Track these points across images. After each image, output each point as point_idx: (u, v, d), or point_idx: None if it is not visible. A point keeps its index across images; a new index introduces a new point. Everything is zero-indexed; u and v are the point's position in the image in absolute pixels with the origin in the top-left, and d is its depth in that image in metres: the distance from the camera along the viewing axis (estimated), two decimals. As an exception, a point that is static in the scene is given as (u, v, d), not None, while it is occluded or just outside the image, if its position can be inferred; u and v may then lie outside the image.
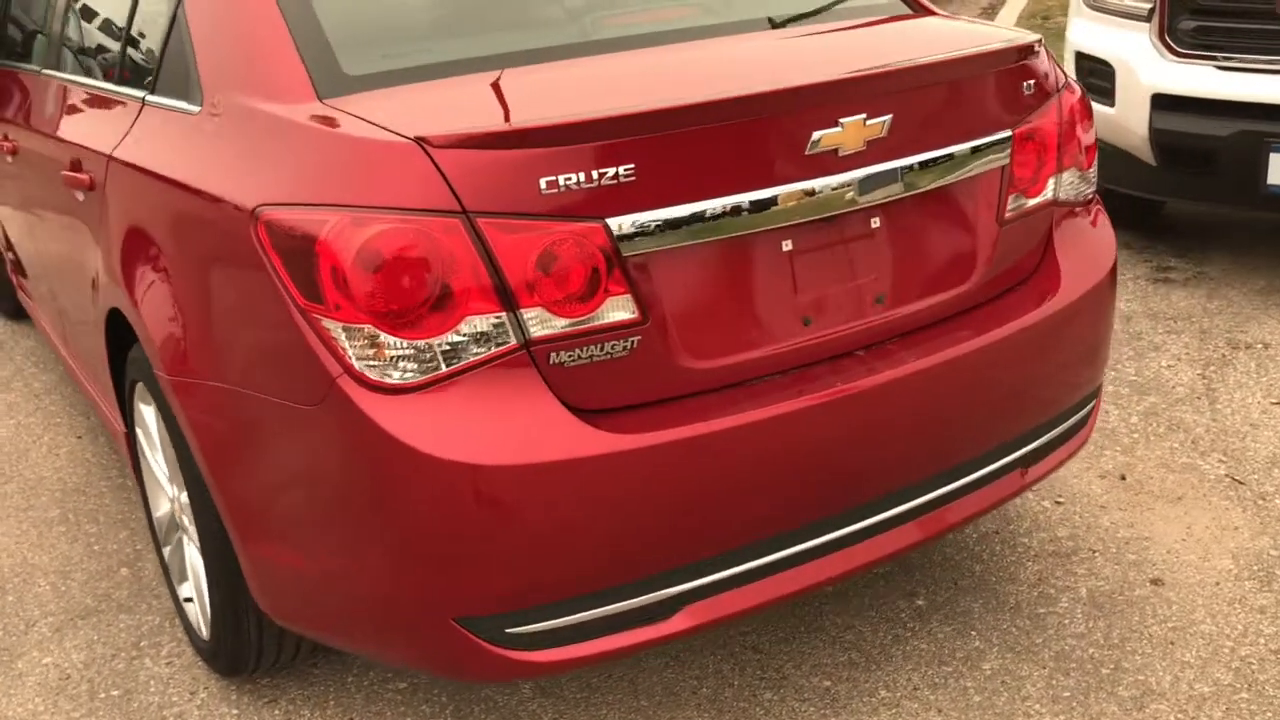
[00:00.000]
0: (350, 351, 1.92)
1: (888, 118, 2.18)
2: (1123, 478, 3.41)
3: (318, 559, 2.12)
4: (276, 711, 2.65)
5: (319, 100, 2.13)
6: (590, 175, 1.95)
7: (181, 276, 2.28)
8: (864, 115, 2.14)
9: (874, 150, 2.19)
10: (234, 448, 2.21)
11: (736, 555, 2.15)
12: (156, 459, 2.77)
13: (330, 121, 2.05)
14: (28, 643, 2.93)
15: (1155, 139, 4.55)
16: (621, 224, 1.99)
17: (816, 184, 2.14)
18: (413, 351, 1.92)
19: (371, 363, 1.92)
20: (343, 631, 2.19)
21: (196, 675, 2.77)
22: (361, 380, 1.93)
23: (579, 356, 2.01)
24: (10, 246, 4.31)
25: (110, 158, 2.64)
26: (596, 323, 2.01)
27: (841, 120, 2.12)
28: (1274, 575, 2.94)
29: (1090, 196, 2.71)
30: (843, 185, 2.17)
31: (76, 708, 2.69)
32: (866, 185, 2.20)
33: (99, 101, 2.91)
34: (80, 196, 2.86)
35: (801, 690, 2.63)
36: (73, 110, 3.09)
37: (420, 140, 1.92)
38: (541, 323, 1.97)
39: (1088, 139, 2.65)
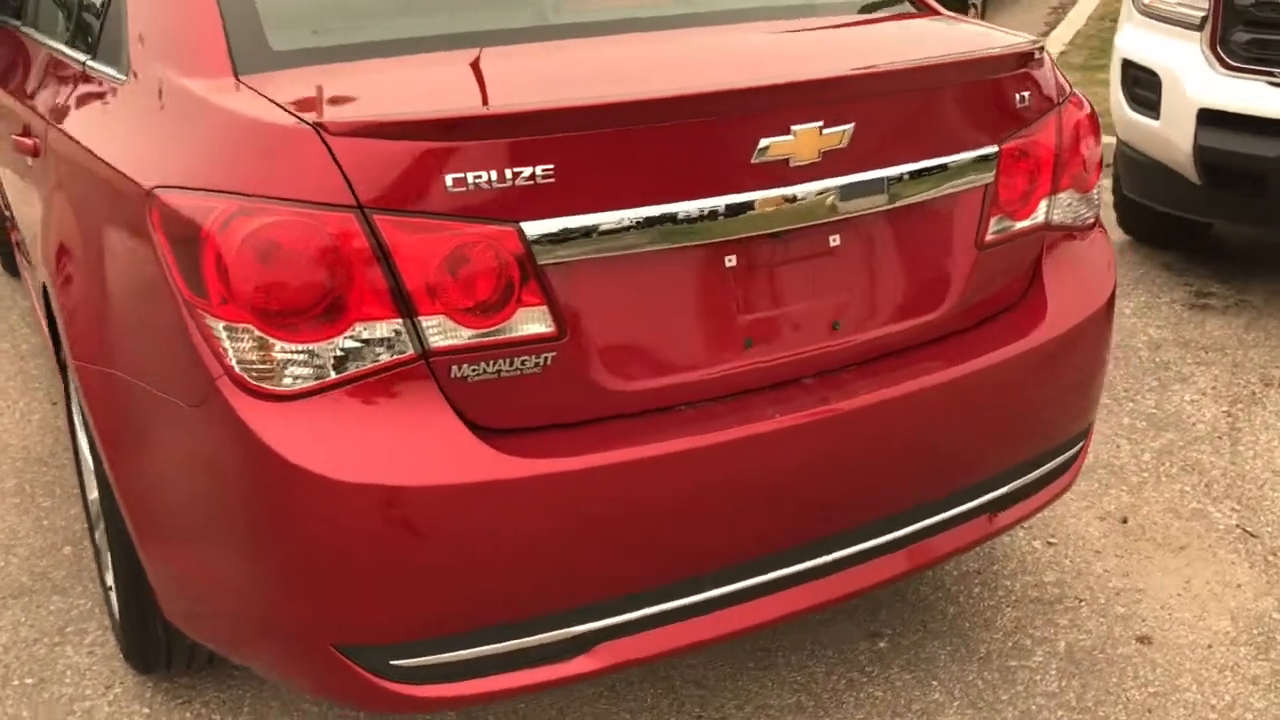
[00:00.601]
0: (231, 352, 1.77)
1: (848, 127, 1.98)
2: (1124, 520, 3.18)
3: (205, 567, 1.98)
4: (189, 714, 2.52)
5: (235, 77, 1.98)
6: (503, 174, 1.77)
7: (90, 256, 2.15)
8: (820, 123, 1.95)
9: (832, 162, 1.99)
10: (129, 441, 2.07)
11: (653, 595, 1.98)
12: (83, 441, 2.66)
13: (236, 101, 1.89)
14: (-46, 620, 2.83)
15: (1199, 156, 4.28)
16: (538, 229, 1.82)
17: (763, 196, 1.95)
18: (297, 357, 1.77)
19: (252, 366, 1.77)
20: (233, 645, 2.05)
21: (115, 669, 2.65)
22: (241, 384, 1.78)
23: (485, 371, 1.84)
24: (7, 204, 4.24)
25: (48, 123, 2.52)
26: (506, 335, 1.84)
27: (794, 128, 1.93)
28: (1274, 641, 2.70)
29: (1091, 221, 2.49)
30: (794, 199, 1.97)
31: (-14, 694, 2.59)
32: (822, 201, 2.00)
33: (53, 64, 2.79)
34: (29, 162, 2.74)
35: (739, 734, 2.45)
36: (33, 71, 2.97)
37: (318, 127, 1.76)
38: (443, 332, 1.81)
39: (1092, 158, 2.42)
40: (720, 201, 1.91)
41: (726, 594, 2.03)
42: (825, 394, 2.06)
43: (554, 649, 1.95)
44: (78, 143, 2.27)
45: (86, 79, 2.44)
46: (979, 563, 3.01)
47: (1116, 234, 5.23)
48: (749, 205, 1.94)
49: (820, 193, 1.99)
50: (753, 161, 1.92)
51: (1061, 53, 8.84)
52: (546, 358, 1.87)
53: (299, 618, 1.86)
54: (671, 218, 1.89)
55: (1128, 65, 4.62)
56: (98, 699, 2.57)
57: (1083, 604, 2.84)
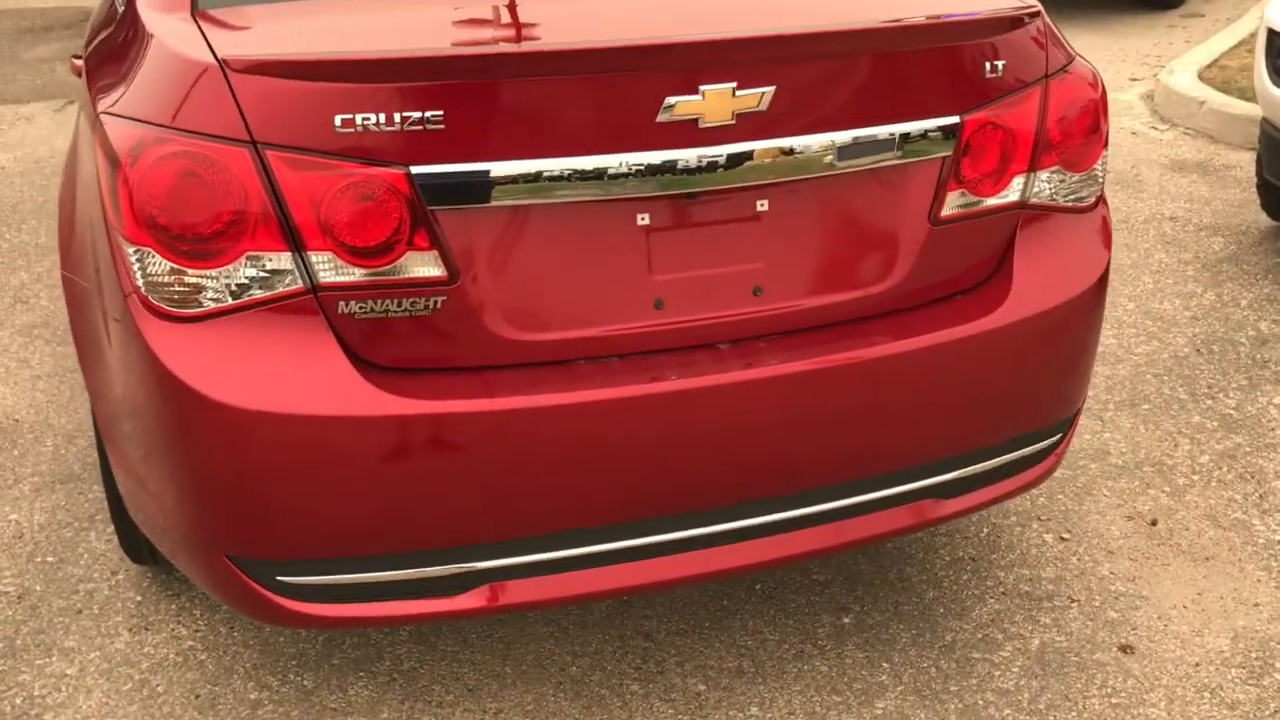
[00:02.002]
0: (137, 272, 1.89)
1: (768, 89, 1.92)
2: (1153, 523, 3.00)
3: (139, 474, 2.12)
4: (174, 606, 2.71)
5: (191, 12, 2.08)
6: (391, 118, 1.81)
7: (77, 173, 2.31)
8: (733, 84, 1.90)
9: (749, 125, 1.94)
10: (89, 345, 2.24)
11: (539, 543, 2.01)
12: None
13: (173, 35, 1.99)
14: (6, 498, 3.11)
15: (1335, 140, 3.92)
16: (426, 173, 1.85)
17: (669, 156, 1.92)
18: (192, 282, 1.86)
19: (152, 287, 1.88)
20: (164, 549, 2.20)
21: (124, 557, 2.87)
22: (145, 304, 1.89)
23: (372, 309, 1.90)
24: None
25: (87, 43, 2.70)
26: (394, 277, 1.89)
27: (702, 88, 1.89)
28: (1271, 669, 2.52)
29: (1089, 201, 2.34)
30: (705, 162, 1.94)
31: (10, 565, 2.85)
32: (738, 165, 1.96)
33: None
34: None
35: (671, 690, 2.47)
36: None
37: (223, 63, 1.84)
38: (332, 268, 1.87)
39: (1092, 135, 2.27)
40: (622, 159, 1.90)
41: (614, 550, 2.04)
42: (736, 360, 2.03)
43: (439, 584, 2.01)
44: (87, 69, 2.43)
45: (112, 8, 2.60)
46: (977, 549, 2.90)
47: (1262, 220, 4.86)
48: (656, 165, 1.92)
49: (734, 156, 1.95)
50: (658, 120, 1.89)
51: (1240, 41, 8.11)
52: (435, 301, 1.91)
53: (196, 528, 1.99)
54: (569, 172, 1.89)
55: (1274, 36, 4.25)
56: (101, 582, 2.80)
57: (1074, 604, 2.71)
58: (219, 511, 1.94)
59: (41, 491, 3.14)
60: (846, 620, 2.66)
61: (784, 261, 2.07)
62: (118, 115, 1.95)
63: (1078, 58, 2.30)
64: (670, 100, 1.88)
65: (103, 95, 2.09)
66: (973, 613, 2.69)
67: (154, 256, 1.86)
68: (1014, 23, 2.13)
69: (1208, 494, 3.11)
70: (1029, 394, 2.27)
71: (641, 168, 1.91)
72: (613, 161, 1.90)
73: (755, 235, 2.05)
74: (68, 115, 6.53)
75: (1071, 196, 2.30)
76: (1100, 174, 2.33)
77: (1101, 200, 2.38)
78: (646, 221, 1.99)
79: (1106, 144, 2.33)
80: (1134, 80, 7.10)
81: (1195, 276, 4.41)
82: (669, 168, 1.93)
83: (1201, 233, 4.81)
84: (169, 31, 2.00)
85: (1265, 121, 4.44)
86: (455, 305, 1.92)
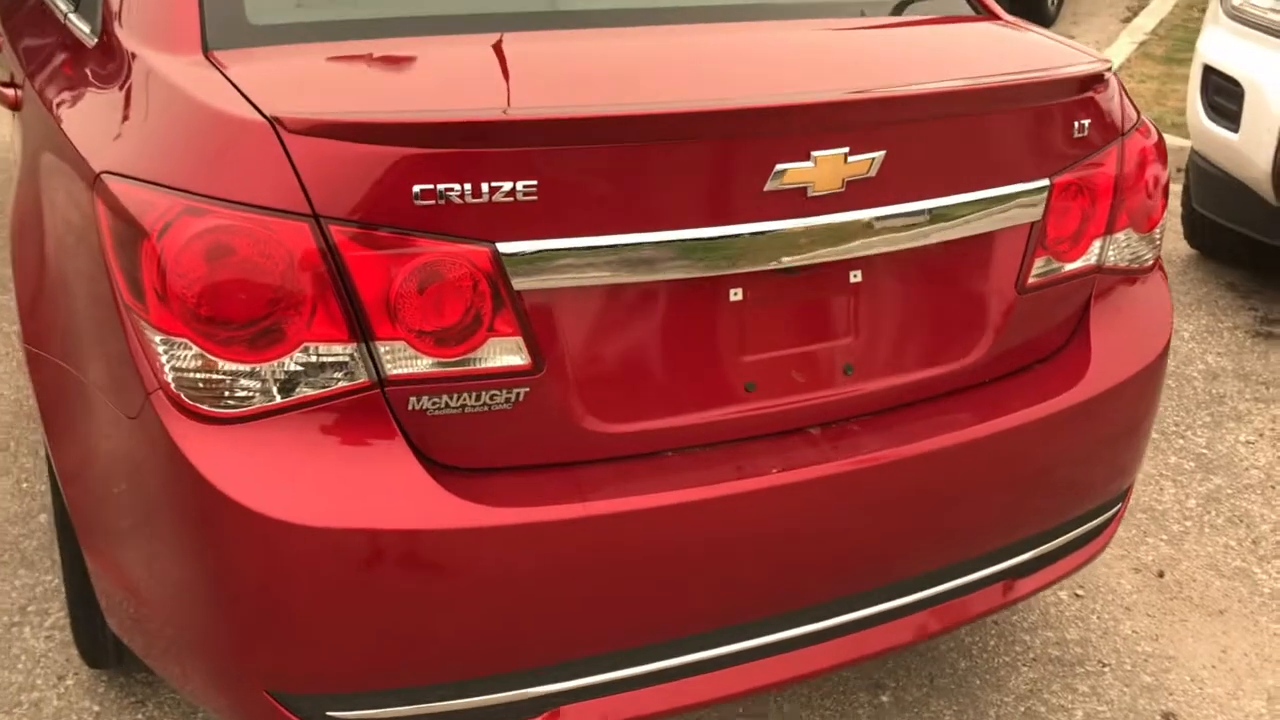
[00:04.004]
0: (166, 366, 1.60)
1: (878, 155, 1.76)
2: (1160, 574, 2.95)
3: (139, 583, 1.82)
4: (140, 716, 2.39)
5: (203, 53, 1.79)
6: (478, 188, 1.57)
7: (47, 233, 1.98)
8: (845, 150, 1.72)
9: (857, 192, 1.77)
10: (72, 436, 1.92)
11: (621, 658, 1.79)
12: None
13: (195, 83, 1.70)
14: (-86, 588, 2.72)
15: (1279, 178, 3.98)
16: (516, 251, 1.62)
17: (774, 228, 1.73)
18: (237, 377, 1.59)
19: (188, 383, 1.59)
20: (165, 668, 1.90)
21: (71, 657, 2.52)
22: (176, 402, 1.60)
23: (448, 405, 1.65)
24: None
25: (26, 75, 2.35)
26: (474, 367, 1.65)
27: (815, 154, 1.71)
28: (1311, 730, 2.48)
29: (1150, 263, 2.25)
30: (810, 232, 1.76)
31: (-66, 676, 2.47)
32: (842, 235, 1.78)
33: (41, 6, 2.61)
34: (12, 116, 2.58)
35: (718, 789, 2.28)
36: (25, 9, 2.79)
37: (275, 122, 1.57)
38: (403, 360, 1.62)
39: (1156, 195, 2.18)
40: (725, 231, 1.70)
41: (702, 660, 1.84)
42: (831, 447, 1.85)
43: (509, 711, 1.77)
44: (45, 104, 2.10)
45: (66, 31, 2.26)
46: (997, 614, 2.79)
47: (1182, 247, 4.94)
48: (758, 237, 1.73)
49: (840, 226, 1.77)
50: (766, 189, 1.70)
51: (1141, 43, 8.43)
52: (519, 393, 1.67)
53: (232, 658, 1.70)
54: (668, 247, 1.68)
55: (1209, 72, 4.31)
56: (48, 690, 2.44)
57: (1106, 669, 2.63)
58: (262, 641, 1.66)
59: (-45, 580, 2.75)
60: (884, 699, 2.52)
61: (875, 336, 1.91)
62: (129, 177, 1.65)
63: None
64: (780, 167, 1.70)
65: (92, 146, 1.78)
66: (1009, 683, 2.58)
67: (189, 347, 1.58)
68: (1102, 78, 2.01)
69: (1204, 541, 3.09)
70: (1106, 464, 2.16)
71: (745, 240, 1.72)
72: (717, 234, 1.70)
73: (848, 309, 1.88)
74: None
75: (1138, 259, 2.20)
76: (1159, 235, 2.25)
77: (1160, 262, 2.30)
78: (739, 297, 1.80)
79: (1167, 202, 2.25)
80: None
81: (1135, 308, 4.43)
82: (773, 240, 1.74)
83: (1129, 262, 4.86)
84: (187, 78, 1.71)
85: (1195, 153, 4.50)
86: (539, 396, 1.69)
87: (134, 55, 1.85)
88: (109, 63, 1.93)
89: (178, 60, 1.77)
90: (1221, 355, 4.10)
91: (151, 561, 1.75)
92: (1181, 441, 3.54)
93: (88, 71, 2.01)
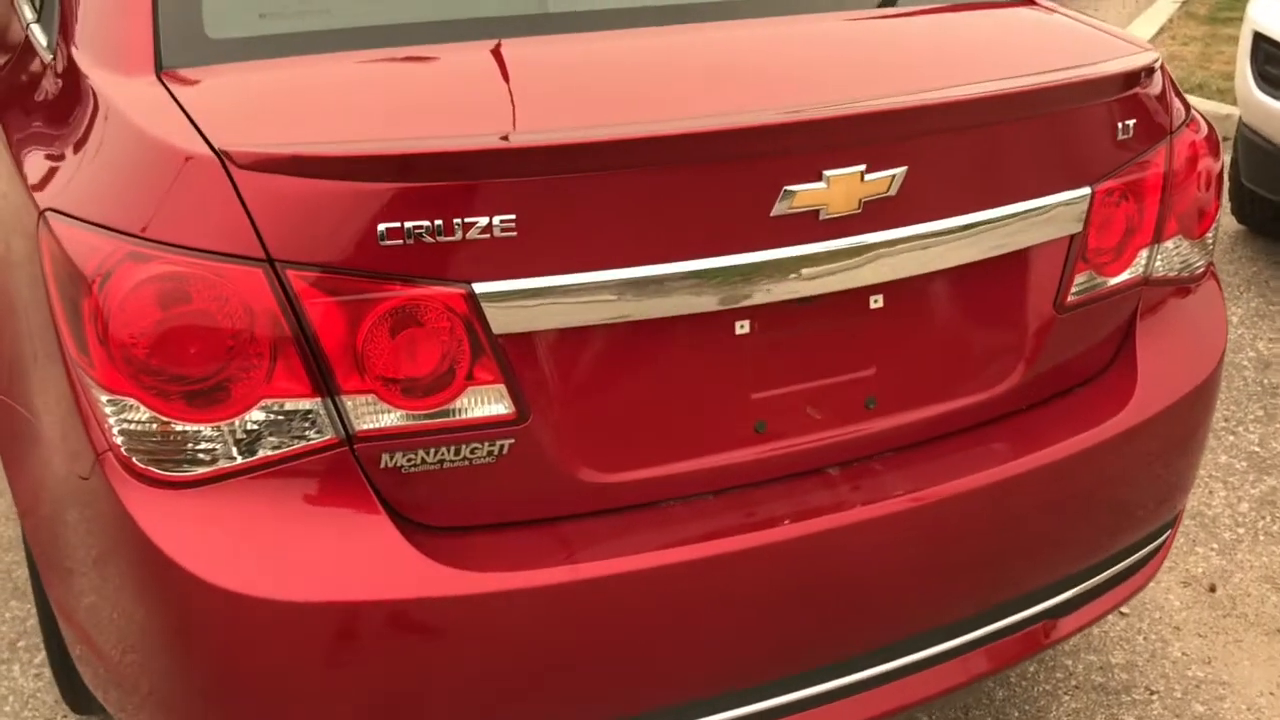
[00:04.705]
0: (114, 426, 1.45)
1: (899, 171, 1.58)
2: (1212, 589, 2.77)
3: (102, 647, 1.69)
4: (129, 762, 2.27)
5: (155, 73, 1.63)
6: (450, 225, 1.42)
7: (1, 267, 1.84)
8: (861, 167, 1.55)
9: (875, 213, 1.60)
10: (31, 483, 1.79)
11: (628, 724, 1.65)
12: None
13: (141, 109, 1.54)
14: (-99, 623, 2.61)
15: (1333, 152, 3.75)
16: (494, 291, 1.46)
17: (783, 255, 1.56)
18: (190, 438, 1.44)
19: (139, 445, 1.45)
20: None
21: (61, 699, 2.41)
22: (127, 466, 1.46)
23: (424, 460, 1.50)
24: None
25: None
26: (452, 418, 1.50)
27: (827, 173, 1.53)
28: (1379, 765, 2.30)
29: (1200, 270, 2.06)
30: (824, 259, 1.59)
31: (-83, 720, 2.36)
32: (860, 261, 1.61)
33: (12, 15, 2.45)
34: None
35: (738, 840, 2.13)
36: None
37: (223, 156, 1.41)
38: (372, 413, 1.47)
39: (1208, 196, 1.99)
40: (727, 263, 1.54)
41: (716, 723, 1.69)
42: (850, 488, 1.69)
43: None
44: (1, 125, 1.95)
45: (27, 43, 2.11)
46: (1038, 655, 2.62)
47: (1229, 223, 4.71)
48: (765, 266, 1.56)
49: (858, 250, 1.60)
50: (773, 214, 1.53)
51: (1184, 1, 8.10)
52: (502, 445, 1.52)
53: (198, 734, 1.57)
54: (662, 281, 1.52)
55: (1260, 39, 4.07)
56: (35, 735, 2.33)
57: (1155, 697, 2.46)
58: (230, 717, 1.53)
59: (-55, 612, 2.64)
60: (917, 734, 2.37)
61: (899, 366, 1.74)
62: (72, 217, 1.50)
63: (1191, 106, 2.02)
64: (790, 189, 1.52)
65: (39, 178, 1.64)
66: (1050, 715, 2.41)
67: (136, 408, 1.43)
68: (1149, 71, 1.82)
69: (1258, 550, 2.90)
70: (1155, 492, 1.98)
71: (751, 271, 1.55)
72: (718, 265, 1.53)
73: (868, 337, 1.71)
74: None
75: (1189, 266, 2.01)
76: (1212, 238, 2.05)
77: (1212, 268, 2.11)
78: (746, 330, 1.63)
79: (1220, 203, 2.05)
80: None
81: (1181, 291, 4.22)
82: (782, 269, 1.57)
83: (1174, 240, 4.63)
84: (135, 105, 1.55)
85: (1244, 125, 4.27)
86: (525, 448, 1.53)
87: (85, 75, 1.69)
88: (61, 82, 1.78)
89: (128, 82, 1.62)
90: (1274, 341, 3.88)
91: (111, 627, 1.61)
92: (1232, 439, 3.35)
93: (42, 91, 1.86)
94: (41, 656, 2.51)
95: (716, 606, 1.60)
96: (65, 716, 2.37)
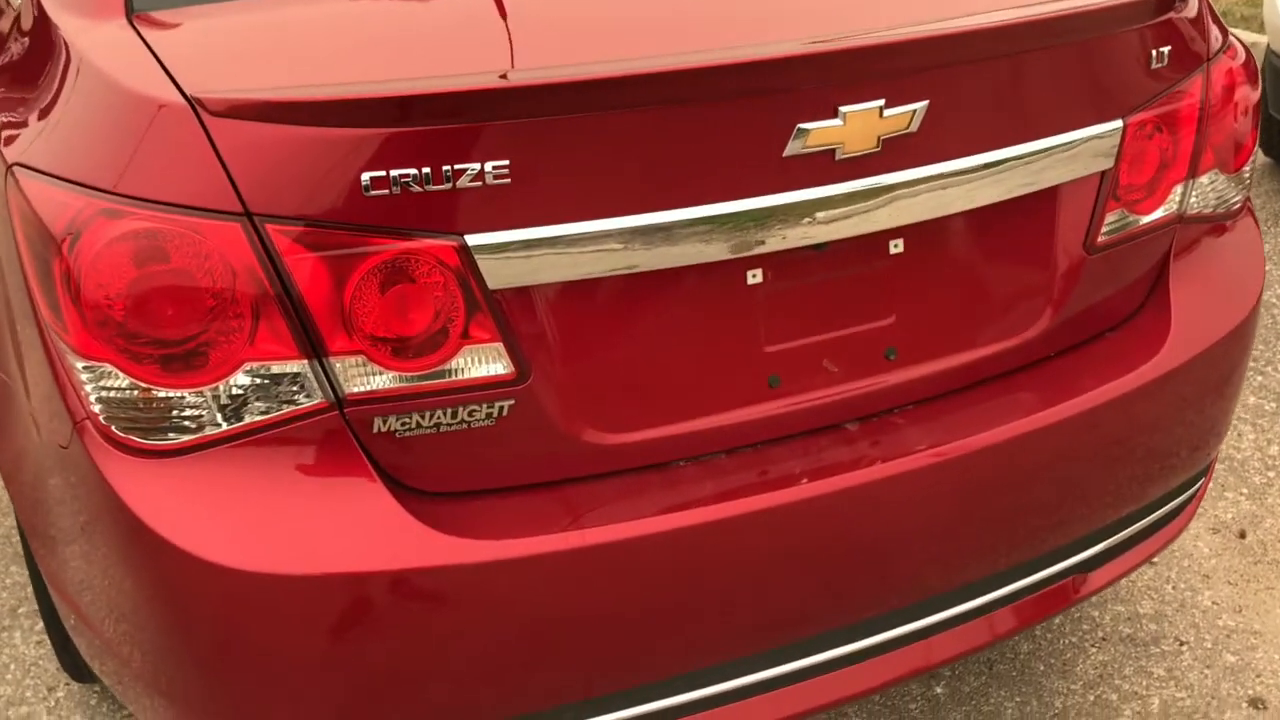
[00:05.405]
0: (91, 394, 1.38)
1: (919, 106, 1.48)
2: (1242, 535, 2.68)
3: (93, 619, 1.63)
4: (134, 730, 2.22)
5: (126, 16, 1.53)
6: (439, 173, 1.32)
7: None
8: (880, 102, 1.45)
9: (895, 151, 1.49)
10: (14, 456, 1.72)
11: (645, 691, 1.58)
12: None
13: (112, 54, 1.45)
14: (-100, 591, 2.56)
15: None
16: (488, 243, 1.37)
17: (797, 198, 1.46)
18: (171, 405, 1.36)
19: (117, 413, 1.37)
20: (124, 698, 1.71)
21: (62, 667, 2.36)
22: (106, 434, 1.39)
23: (419, 424, 1.42)
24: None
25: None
26: (447, 379, 1.41)
27: (843, 109, 1.43)
28: None
29: (1237, 206, 1.95)
30: (840, 201, 1.49)
31: (-82, 690, 2.32)
32: (879, 203, 1.51)
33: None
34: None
35: (757, 803, 2.07)
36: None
37: (195, 103, 1.32)
38: (362, 375, 1.39)
39: (1245, 126, 1.88)
40: (737, 207, 1.44)
41: (735, 689, 1.62)
42: (870, 444, 1.61)
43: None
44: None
45: (2, -5, 2.01)
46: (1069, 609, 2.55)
47: (1256, 156, 4.56)
48: (777, 210, 1.46)
49: (877, 191, 1.50)
50: (786, 155, 1.44)
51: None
52: (502, 407, 1.44)
53: (191, 710, 1.50)
54: (667, 229, 1.42)
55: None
56: (37, 703, 2.28)
57: (1184, 648, 2.38)
58: (221, 693, 1.46)
59: (-57, 579, 2.59)
60: (939, 690, 2.30)
61: (920, 314, 1.65)
62: (39, 172, 1.42)
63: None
64: (803, 127, 1.42)
65: (7, 132, 1.55)
66: (1077, 668, 2.34)
67: (115, 374, 1.35)
68: (1186, -6, 1.71)
69: (1290, 494, 2.81)
70: (1189, 439, 1.89)
71: (763, 216, 1.46)
72: (728, 210, 1.44)
73: (887, 285, 1.62)
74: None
75: (1224, 203, 1.91)
76: (1249, 172, 1.95)
77: (1249, 204, 2.00)
78: (758, 279, 1.54)
79: (1258, 134, 1.94)
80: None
81: (1206, 227, 4.10)
82: (796, 213, 1.47)
83: (1198, 175, 4.51)
84: (104, 50, 1.46)
85: (1273, 54, 4.12)
86: (526, 409, 1.45)
87: (53, 20, 1.60)
88: (28, 29, 1.69)
89: (98, 26, 1.52)
90: (1304, 275, 3.77)
91: (100, 601, 1.55)
92: (1260, 379, 3.25)
93: (13, 38, 1.77)
94: (43, 623, 2.46)
95: (731, 571, 1.52)
96: (67, 684, 2.32)
